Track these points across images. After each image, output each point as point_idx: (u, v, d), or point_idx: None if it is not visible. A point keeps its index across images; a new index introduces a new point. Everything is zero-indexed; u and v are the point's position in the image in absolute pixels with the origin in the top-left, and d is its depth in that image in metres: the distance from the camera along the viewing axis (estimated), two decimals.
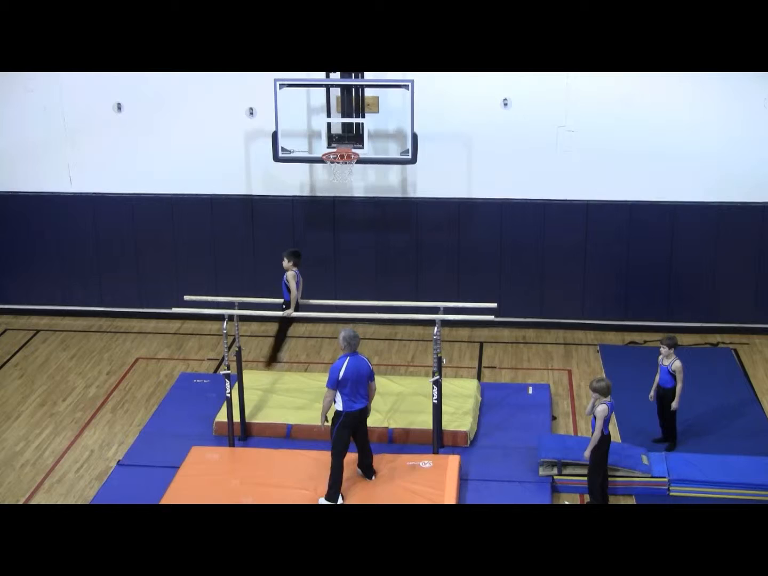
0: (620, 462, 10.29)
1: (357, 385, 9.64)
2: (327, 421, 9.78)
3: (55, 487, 10.60)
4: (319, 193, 14.48)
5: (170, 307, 11.99)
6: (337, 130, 13.20)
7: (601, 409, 9.60)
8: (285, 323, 11.41)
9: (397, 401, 11.87)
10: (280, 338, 11.53)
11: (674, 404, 10.83)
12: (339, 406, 9.69)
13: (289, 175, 14.23)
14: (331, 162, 12.98)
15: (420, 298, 13.04)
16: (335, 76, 12.94)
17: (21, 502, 10.32)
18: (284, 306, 11.07)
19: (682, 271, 14.15)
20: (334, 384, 9.58)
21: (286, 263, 10.97)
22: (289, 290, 10.95)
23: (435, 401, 10.78)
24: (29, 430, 11.85)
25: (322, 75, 13.04)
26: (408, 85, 12.49)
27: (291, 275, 10.93)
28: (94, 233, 14.85)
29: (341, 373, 9.56)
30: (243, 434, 11.36)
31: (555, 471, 10.44)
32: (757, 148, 13.59)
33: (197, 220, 14.64)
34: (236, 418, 11.19)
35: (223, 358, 11.29)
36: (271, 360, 11.67)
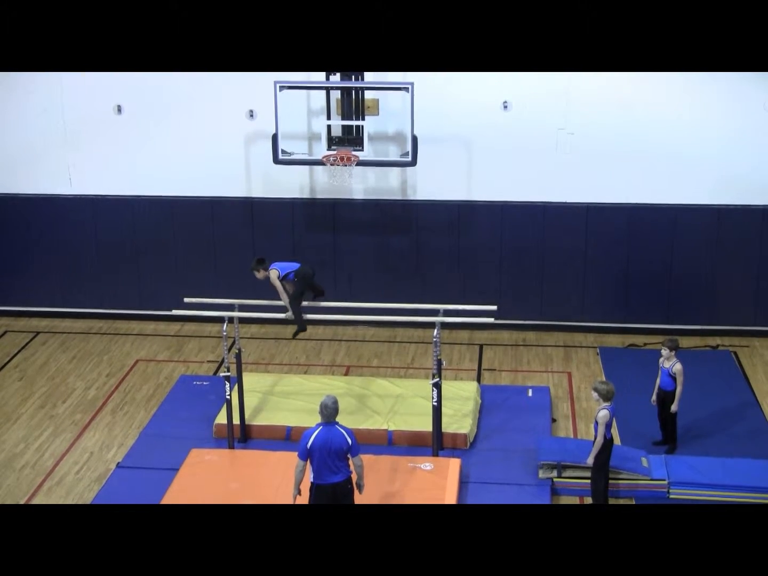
0: (622, 465, 10.27)
1: (328, 458, 8.62)
2: (299, 494, 8.82)
3: (54, 489, 10.59)
4: (319, 196, 14.48)
5: (170, 309, 12.00)
6: (337, 132, 13.20)
7: (603, 414, 9.58)
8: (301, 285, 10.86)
9: (397, 403, 11.87)
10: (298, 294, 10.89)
11: (674, 407, 10.82)
12: (310, 476, 8.79)
13: (289, 178, 14.24)
14: (331, 164, 12.98)
15: (420, 300, 13.01)
16: (335, 78, 12.94)
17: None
18: (295, 279, 10.77)
19: (682, 273, 14.14)
20: (303, 453, 8.65)
21: (259, 274, 10.76)
22: (284, 288, 10.78)
23: (435, 403, 10.77)
24: (29, 432, 11.84)
25: (322, 77, 13.05)
26: (408, 88, 12.49)
27: (272, 276, 10.70)
28: (94, 235, 14.86)
29: (310, 443, 8.63)
30: (243, 436, 11.35)
31: (555, 473, 10.43)
32: (757, 150, 13.59)
33: (197, 222, 14.65)
34: (236, 420, 11.19)
35: (222, 360, 11.29)
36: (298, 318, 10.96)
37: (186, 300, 11.38)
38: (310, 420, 11.05)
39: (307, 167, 14.24)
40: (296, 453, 8.76)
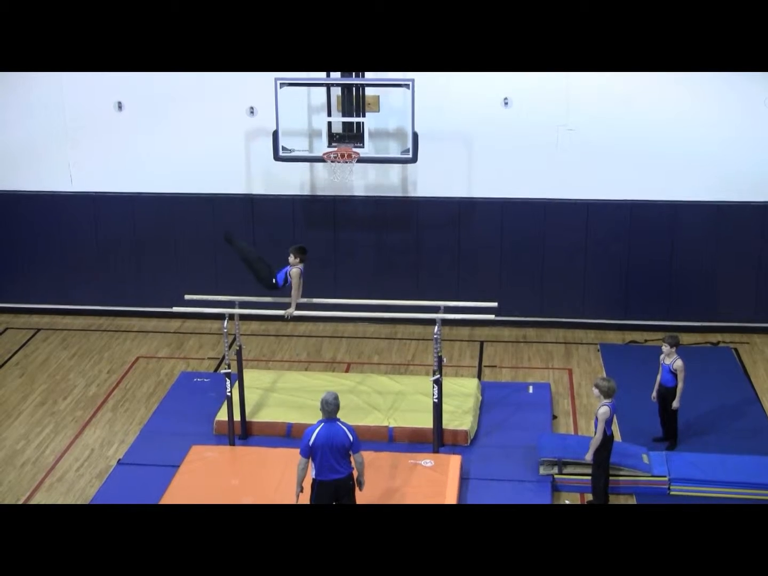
0: (622, 462, 10.28)
1: (330, 455, 8.63)
2: (302, 491, 8.79)
3: (55, 485, 10.61)
4: (319, 192, 14.49)
5: (171, 306, 11.98)
6: (337, 129, 13.21)
7: (603, 410, 9.59)
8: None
9: (398, 400, 11.88)
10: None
11: (675, 403, 10.83)
12: (312, 473, 8.77)
13: (289, 174, 14.23)
14: (332, 161, 12.99)
15: (420, 297, 13.02)
16: (336, 75, 12.94)
17: (21, 501, 10.33)
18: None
19: (682, 270, 14.15)
20: (305, 450, 8.65)
21: (292, 259, 10.80)
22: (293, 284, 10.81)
23: (435, 400, 10.78)
24: (30, 429, 11.85)
25: (322, 74, 13.03)
26: (409, 85, 12.49)
27: (296, 272, 10.78)
28: (94, 232, 14.86)
29: (312, 440, 8.63)
30: (243, 433, 11.37)
31: (555, 470, 10.44)
32: (757, 147, 13.58)
33: (198, 219, 14.64)
34: (236, 417, 11.20)
35: (223, 357, 11.31)
36: None
37: (187, 297, 11.39)
38: (311, 417, 11.07)
39: (307, 164, 14.24)
40: (297, 450, 8.79)
